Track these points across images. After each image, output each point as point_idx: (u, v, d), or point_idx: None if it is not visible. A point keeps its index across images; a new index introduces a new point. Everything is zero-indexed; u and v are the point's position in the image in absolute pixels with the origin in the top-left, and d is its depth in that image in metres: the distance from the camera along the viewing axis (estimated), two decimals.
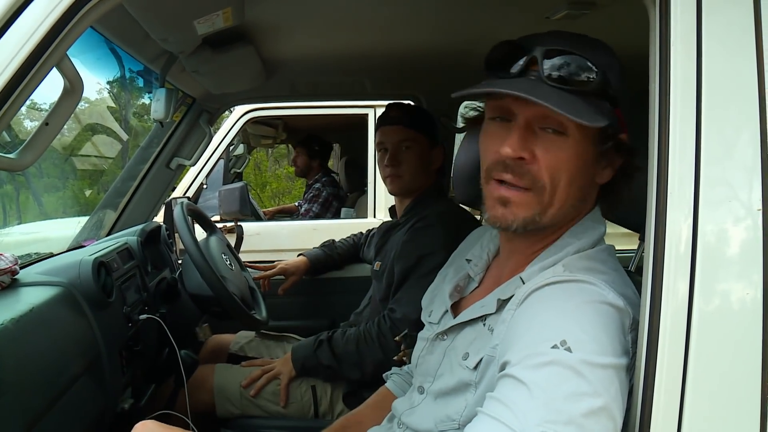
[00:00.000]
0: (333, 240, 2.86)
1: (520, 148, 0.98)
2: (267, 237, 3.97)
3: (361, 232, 2.84)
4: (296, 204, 5.62)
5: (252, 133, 5.26)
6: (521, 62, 1.00)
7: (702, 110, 0.91)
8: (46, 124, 0.99)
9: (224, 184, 4.62)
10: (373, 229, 2.66)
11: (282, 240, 3.98)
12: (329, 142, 5.16)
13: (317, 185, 4.80)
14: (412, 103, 2.35)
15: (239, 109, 4.15)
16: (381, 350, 1.94)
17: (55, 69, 0.95)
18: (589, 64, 0.97)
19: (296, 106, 4.23)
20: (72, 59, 1.76)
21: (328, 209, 4.68)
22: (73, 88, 0.99)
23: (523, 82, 0.99)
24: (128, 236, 2.05)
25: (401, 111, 2.11)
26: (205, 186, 4.23)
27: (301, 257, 2.72)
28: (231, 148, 5.03)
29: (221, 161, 4.58)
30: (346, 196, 4.88)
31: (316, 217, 4.63)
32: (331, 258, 2.77)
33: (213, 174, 4.32)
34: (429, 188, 2.15)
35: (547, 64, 0.97)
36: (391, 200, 2.29)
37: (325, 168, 5.05)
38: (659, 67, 0.93)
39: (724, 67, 0.91)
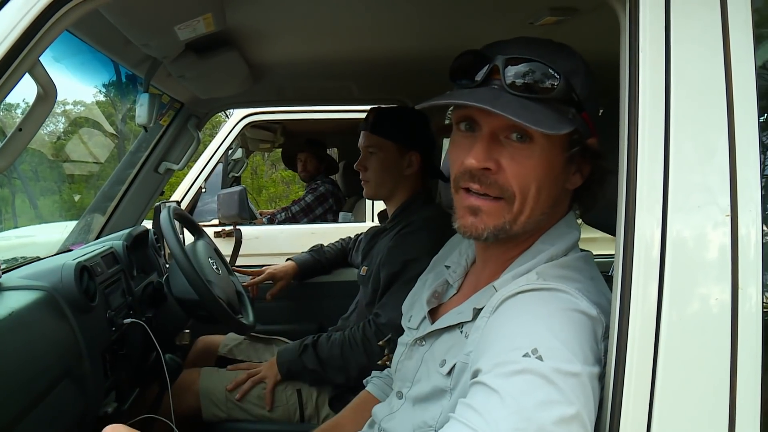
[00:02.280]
0: (321, 244, 2.86)
1: (485, 158, 0.98)
2: (266, 241, 3.98)
3: (349, 237, 2.84)
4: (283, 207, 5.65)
5: (250, 138, 5.28)
6: (483, 71, 0.99)
7: (671, 115, 0.91)
8: (20, 129, 0.99)
9: (223, 188, 4.63)
10: (361, 233, 2.66)
11: (280, 243, 3.98)
12: (325, 143, 5.18)
13: (318, 181, 4.81)
14: (394, 107, 2.33)
15: (238, 113, 4.17)
16: (365, 355, 1.93)
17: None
18: (550, 70, 0.96)
19: (295, 110, 4.25)
20: (68, 63, 1.78)
21: (322, 204, 4.67)
22: (47, 94, 1.00)
23: (486, 91, 0.98)
24: (114, 240, 2.05)
25: (372, 116, 2.12)
26: (203, 190, 4.24)
27: (289, 262, 2.72)
28: (229, 152, 5.04)
29: (220, 165, 4.59)
30: (344, 200, 4.88)
31: (307, 207, 4.63)
32: (319, 263, 2.78)
33: (212, 178, 4.34)
34: (417, 193, 2.15)
35: (509, 73, 0.97)
36: None
37: (328, 170, 5.08)
38: (629, 72, 0.94)
39: (692, 73, 0.92)
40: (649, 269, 0.90)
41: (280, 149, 5.95)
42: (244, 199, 3.53)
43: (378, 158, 2.09)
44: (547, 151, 0.98)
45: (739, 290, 0.90)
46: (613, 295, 0.93)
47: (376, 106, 2.19)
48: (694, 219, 0.91)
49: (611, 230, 1.27)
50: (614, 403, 0.90)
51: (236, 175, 5.77)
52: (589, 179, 1.05)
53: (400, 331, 1.42)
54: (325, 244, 2.88)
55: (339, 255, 2.82)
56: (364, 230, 2.71)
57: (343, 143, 5.77)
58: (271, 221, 4.66)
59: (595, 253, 1.16)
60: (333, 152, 6.33)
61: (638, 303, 0.90)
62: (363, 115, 3.99)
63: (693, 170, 0.92)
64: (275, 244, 3.98)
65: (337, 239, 2.90)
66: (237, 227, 3.42)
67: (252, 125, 4.36)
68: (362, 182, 2.15)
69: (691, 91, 0.92)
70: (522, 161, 0.98)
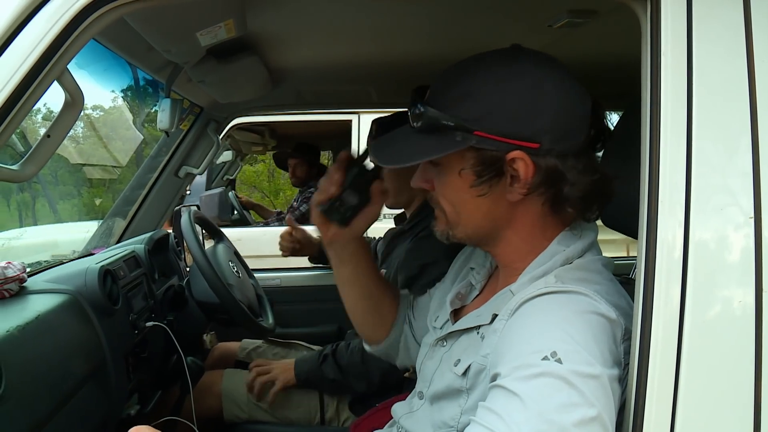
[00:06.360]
0: None
1: (419, 180, 1.13)
2: (248, 242, 3.93)
3: (372, 237, 2.81)
4: (277, 211, 5.65)
5: (240, 140, 5.26)
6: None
7: (693, 117, 0.91)
8: (48, 136, 1.01)
9: (207, 190, 4.64)
10: (380, 237, 2.66)
11: (263, 246, 3.92)
12: (317, 147, 5.15)
13: (310, 189, 4.79)
14: (395, 112, 2.26)
15: None
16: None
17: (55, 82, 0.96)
18: (417, 108, 1.02)
19: (281, 112, 4.22)
20: (87, 70, 1.80)
21: None
22: (74, 100, 1.01)
23: (399, 133, 1.09)
24: (136, 244, 2.07)
25: (376, 128, 2.07)
26: (188, 192, 4.23)
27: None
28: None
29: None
30: None
31: (302, 216, 4.59)
32: None
33: (196, 180, 4.34)
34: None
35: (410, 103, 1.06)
36: None
37: (321, 174, 5.03)
38: (650, 74, 0.94)
39: (715, 75, 0.92)
40: (671, 272, 0.90)
41: (275, 151, 5.91)
42: (225, 201, 3.51)
43: (393, 170, 2.07)
44: (451, 172, 1.05)
45: (763, 293, 0.90)
46: (636, 298, 0.93)
47: (377, 117, 2.16)
48: (717, 221, 0.91)
49: (632, 232, 1.27)
50: (637, 406, 0.90)
51: (230, 177, 5.76)
52: (543, 189, 1.04)
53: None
54: None
55: None
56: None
57: (339, 146, 5.72)
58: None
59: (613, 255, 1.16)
60: (328, 155, 6.31)
61: (661, 306, 0.90)
62: (350, 117, 4.01)
63: (716, 172, 0.91)
64: (257, 246, 3.93)
65: None
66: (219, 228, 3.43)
67: (238, 127, 4.34)
68: None
69: (714, 93, 0.91)
70: (440, 181, 1.09)
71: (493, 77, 1.02)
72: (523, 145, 0.99)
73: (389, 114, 2.16)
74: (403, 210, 2.26)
